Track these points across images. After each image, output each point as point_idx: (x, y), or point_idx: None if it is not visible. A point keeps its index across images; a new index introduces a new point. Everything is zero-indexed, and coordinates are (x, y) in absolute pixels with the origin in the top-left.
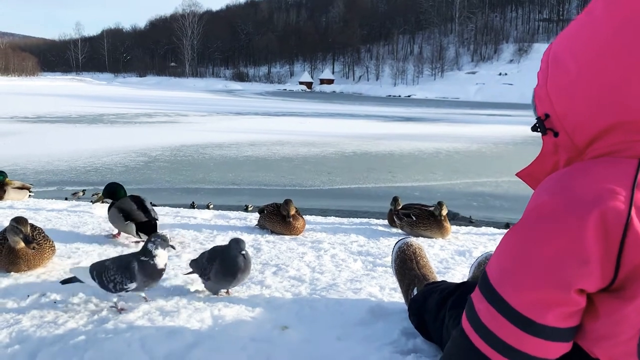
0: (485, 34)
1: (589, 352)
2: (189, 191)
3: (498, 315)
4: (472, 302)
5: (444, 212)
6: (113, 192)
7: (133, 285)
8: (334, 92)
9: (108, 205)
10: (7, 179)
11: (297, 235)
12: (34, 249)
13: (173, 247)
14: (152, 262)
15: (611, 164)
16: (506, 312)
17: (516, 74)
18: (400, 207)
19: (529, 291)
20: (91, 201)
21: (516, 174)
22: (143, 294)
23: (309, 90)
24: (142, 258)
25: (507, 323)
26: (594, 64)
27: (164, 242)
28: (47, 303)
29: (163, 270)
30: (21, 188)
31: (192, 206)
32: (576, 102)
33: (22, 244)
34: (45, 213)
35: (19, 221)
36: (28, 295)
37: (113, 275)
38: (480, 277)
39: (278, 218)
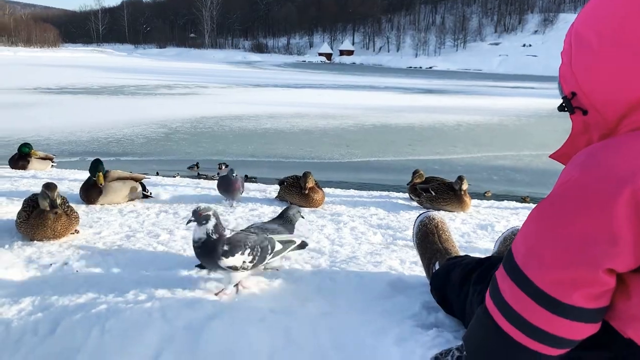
0: (509, 3)
1: (622, 332)
2: (210, 163)
3: (523, 295)
4: (496, 281)
5: (465, 186)
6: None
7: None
8: (353, 63)
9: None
10: (32, 151)
11: (317, 207)
12: (55, 214)
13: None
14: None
15: None
16: (531, 292)
17: (541, 45)
18: (421, 181)
19: (555, 270)
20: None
21: (550, 156)
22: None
23: (329, 61)
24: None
25: (532, 303)
26: (617, 36)
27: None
28: (69, 272)
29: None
30: (44, 158)
31: (201, 177)
32: (603, 78)
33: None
34: (68, 183)
35: (47, 186)
36: (51, 265)
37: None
38: (506, 255)
39: (297, 190)
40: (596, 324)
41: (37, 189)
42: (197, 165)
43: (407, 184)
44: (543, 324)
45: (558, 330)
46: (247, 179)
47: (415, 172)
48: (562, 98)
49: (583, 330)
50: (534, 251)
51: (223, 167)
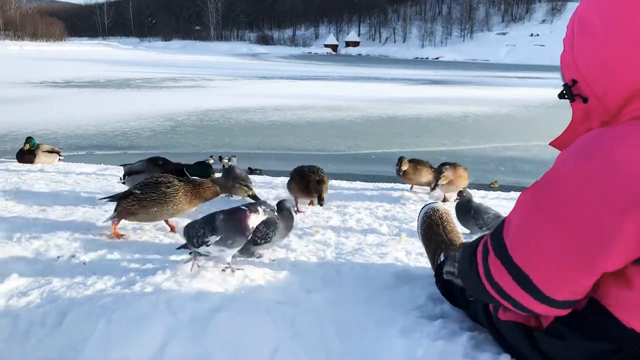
0: None
1: (625, 322)
2: (215, 155)
3: (512, 281)
4: (487, 255)
5: (404, 167)
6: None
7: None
8: (359, 54)
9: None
10: (26, 144)
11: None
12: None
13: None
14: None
15: None
16: (522, 282)
17: (548, 35)
18: (406, 167)
19: (549, 267)
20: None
21: (549, 144)
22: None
23: (335, 53)
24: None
25: (517, 287)
26: (621, 23)
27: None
28: (77, 264)
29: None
30: (51, 152)
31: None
32: (605, 65)
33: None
34: (75, 176)
35: (246, 180)
36: (58, 257)
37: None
38: (496, 230)
39: (303, 186)
40: (568, 310)
41: (44, 182)
42: (212, 157)
43: (399, 175)
44: (525, 302)
45: (533, 308)
46: (252, 171)
47: (400, 159)
48: (563, 85)
49: (555, 313)
50: (527, 240)
51: (229, 158)
